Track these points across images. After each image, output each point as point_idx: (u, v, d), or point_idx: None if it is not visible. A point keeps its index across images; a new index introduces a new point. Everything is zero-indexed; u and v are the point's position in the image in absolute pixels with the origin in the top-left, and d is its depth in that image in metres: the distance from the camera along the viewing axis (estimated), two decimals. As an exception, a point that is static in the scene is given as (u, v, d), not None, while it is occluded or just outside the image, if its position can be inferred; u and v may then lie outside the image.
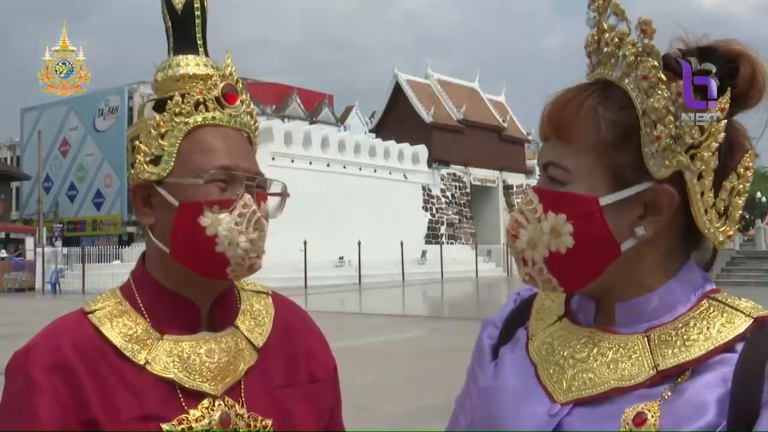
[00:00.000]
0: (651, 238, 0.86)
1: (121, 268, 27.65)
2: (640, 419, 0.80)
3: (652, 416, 0.80)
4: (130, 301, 1.11)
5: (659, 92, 0.83)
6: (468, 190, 42.86)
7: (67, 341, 1.04)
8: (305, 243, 26.92)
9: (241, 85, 1.15)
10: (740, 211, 0.89)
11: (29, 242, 35.62)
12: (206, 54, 1.17)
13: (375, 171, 37.01)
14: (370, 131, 43.52)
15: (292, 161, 32.60)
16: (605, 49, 0.88)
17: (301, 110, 47.46)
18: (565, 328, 0.95)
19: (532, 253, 0.88)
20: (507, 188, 44.95)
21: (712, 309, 0.87)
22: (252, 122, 1.17)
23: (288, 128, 34.47)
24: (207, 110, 1.10)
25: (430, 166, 40.30)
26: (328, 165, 34.49)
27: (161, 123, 1.09)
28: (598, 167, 0.86)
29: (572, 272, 0.88)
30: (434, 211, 39.95)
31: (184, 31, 1.16)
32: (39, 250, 32.21)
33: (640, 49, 0.84)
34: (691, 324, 0.86)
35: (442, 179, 40.98)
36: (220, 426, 1.03)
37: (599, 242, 0.86)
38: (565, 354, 0.91)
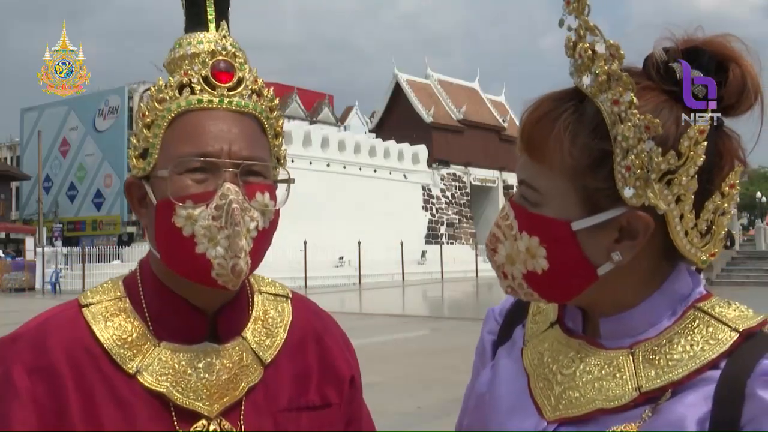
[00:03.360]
0: (630, 260, 0.82)
1: (121, 268, 27.62)
2: None
3: None
4: (131, 298, 0.99)
5: (630, 119, 0.78)
6: (468, 190, 42.83)
7: (57, 340, 0.93)
8: (305, 243, 26.89)
9: (241, 60, 0.99)
10: (725, 229, 0.84)
11: (29, 242, 35.63)
12: (222, 30, 1.02)
13: (375, 171, 36.98)
14: (370, 131, 43.49)
15: (292, 161, 32.56)
16: (578, 60, 0.82)
17: (301, 110, 47.40)
18: (556, 337, 0.94)
19: (512, 269, 0.87)
20: (507, 188, 44.89)
21: (696, 321, 0.83)
22: (261, 103, 1.00)
23: (288, 128, 34.42)
24: (193, 93, 0.95)
25: (430, 166, 40.27)
26: (328, 165, 34.46)
27: (146, 112, 0.96)
28: (570, 191, 0.82)
29: (551, 290, 0.87)
30: (434, 211, 39.93)
31: (196, 6, 1.04)
32: (39, 250, 32.20)
33: (609, 70, 0.79)
34: (675, 340, 0.82)
35: (442, 179, 40.96)
36: None
37: (574, 266, 0.83)
38: (554, 369, 0.90)
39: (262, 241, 0.95)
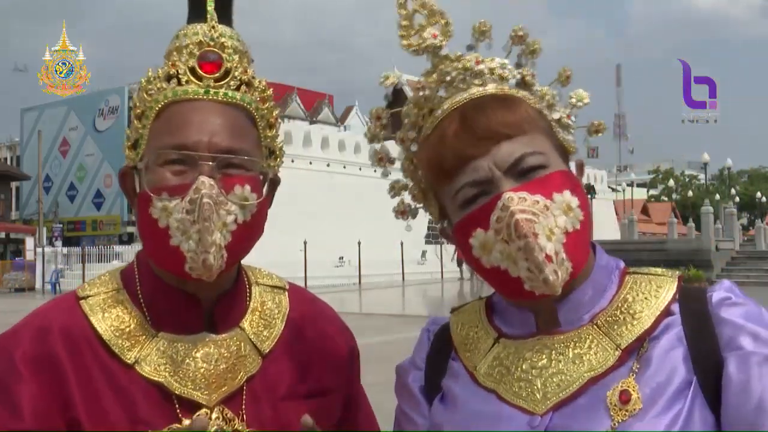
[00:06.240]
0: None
1: (121, 268, 27.54)
2: (625, 396, 0.83)
3: (633, 390, 0.83)
4: (128, 289, 1.00)
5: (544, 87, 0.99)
6: (468, 190, 42.81)
7: (56, 329, 0.94)
8: (305, 243, 26.88)
9: (230, 51, 0.97)
10: None
11: (29, 242, 35.62)
12: (219, 22, 1.00)
13: (375, 171, 36.89)
14: (370, 131, 43.45)
15: (292, 161, 32.55)
16: (480, 71, 0.98)
17: (301, 110, 47.41)
18: (508, 346, 0.95)
19: (553, 244, 0.84)
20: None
21: (638, 282, 0.93)
22: (251, 94, 0.99)
23: (288, 128, 34.42)
24: (179, 84, 0.95)
25: (430, 166, 40.22)
26: (328, 165, 34.45)
27: (137, 103, 0.97)
28: (552, 147, 0.92)
29: (582, 248, 0.89)
30: (434, 211, 39.90)
31: None
32: (39, 250, 32.17)
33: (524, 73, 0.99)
34: (630, 299, 0.90)
35: (442, 179, 40.93)
36: None
37: (589, 210, 0.90)
38: (525, 367, 0.91)
39: (243, 234, 0.93)
